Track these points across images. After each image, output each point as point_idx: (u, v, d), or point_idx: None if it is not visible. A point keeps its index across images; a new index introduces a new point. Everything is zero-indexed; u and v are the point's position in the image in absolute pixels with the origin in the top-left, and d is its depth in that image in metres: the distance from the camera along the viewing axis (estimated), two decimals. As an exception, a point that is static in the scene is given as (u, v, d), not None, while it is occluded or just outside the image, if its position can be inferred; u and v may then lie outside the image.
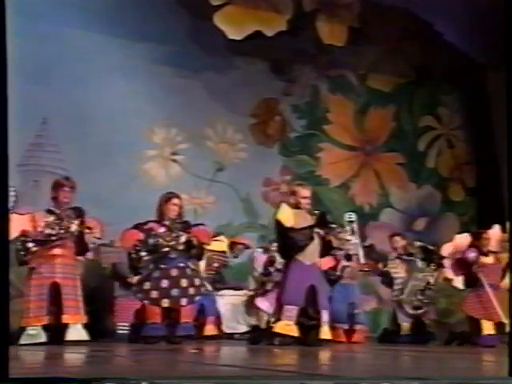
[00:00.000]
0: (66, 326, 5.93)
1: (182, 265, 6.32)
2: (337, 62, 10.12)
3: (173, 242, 6.26)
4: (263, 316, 7.49)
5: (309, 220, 6.35)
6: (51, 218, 5.93)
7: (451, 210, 10.69)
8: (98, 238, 6.29)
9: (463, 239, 8.33)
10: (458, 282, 8.28)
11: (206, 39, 9.13)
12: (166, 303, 6.19)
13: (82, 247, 6.13)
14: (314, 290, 6.34)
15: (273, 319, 6.61)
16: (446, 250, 8.24)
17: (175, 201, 6.42)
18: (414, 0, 9.38)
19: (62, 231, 5.91)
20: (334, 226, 6.49)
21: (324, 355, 5.28)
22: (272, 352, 5.55)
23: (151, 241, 6.25)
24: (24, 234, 5.85)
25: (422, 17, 9.50)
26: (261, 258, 7.68)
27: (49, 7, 8.17)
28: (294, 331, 6.27)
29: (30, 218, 5.95)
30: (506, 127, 3.01)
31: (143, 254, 6.24)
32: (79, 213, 6.01)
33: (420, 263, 7.79)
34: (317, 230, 6.34)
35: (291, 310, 6.27)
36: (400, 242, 7.98)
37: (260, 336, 6.83)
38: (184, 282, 6.27)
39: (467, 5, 9.08)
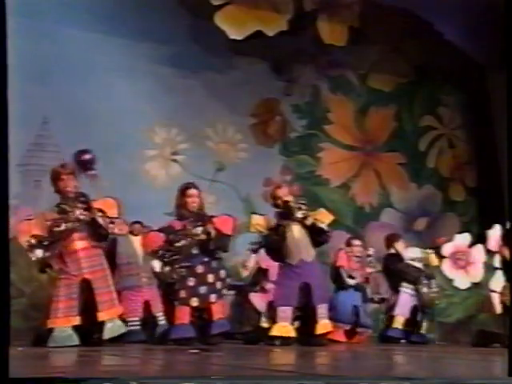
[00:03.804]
0: (102, 324, 5.63)
1: (206, 260, 6.06)
2: (337, 62, 10.11)
3: (189, 239, 5.96)
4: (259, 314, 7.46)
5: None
6: (56, 215, 5.63)
7: (452, 209, 10.68)
8: (116, 218, 6.00)
9: (463, 239, 8.36)
10: (458, 282, 8.32)
11: (206, 39, 9.12)
12: (195, 302, 5.96)
13: (99, 234, 5.77)
14: (308, 287, 6.35)
15: (267, 323, 6.64)
16: (447, 249, 8.27)
17: (192, 191, 6.12)
18: (414, 0, 9.37)
19: (70, 224, 5.60)
20: (303, 209, 6.41)
21: (320, 355, 5.28)
22: (271, 352, 5.56)
23: (172, 239, 5.94)
24: (33, 239, 5.55)
25: (422, 17, 9.48)
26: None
27: (49, 7, 8.16)
28: (290, 332, 6.30)
29: (40, 219, 5.69)
30: (506, 127, 3.01)
31: (174, 258, 5.90)
32: (83, 198, 5.70)
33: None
34: (284, 222, 6.35)
35: (285, 311, 6.30)
36: (402, 245, 7.98)
37: (258, 335, 6.84)
38: (210, 278, 6.03)
39: (467, 5, 9.07)
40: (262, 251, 7.64)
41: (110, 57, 8.46)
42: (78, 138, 8.09)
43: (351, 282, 7.64)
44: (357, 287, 7.73)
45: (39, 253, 5.56)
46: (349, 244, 7.91)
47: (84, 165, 6.41)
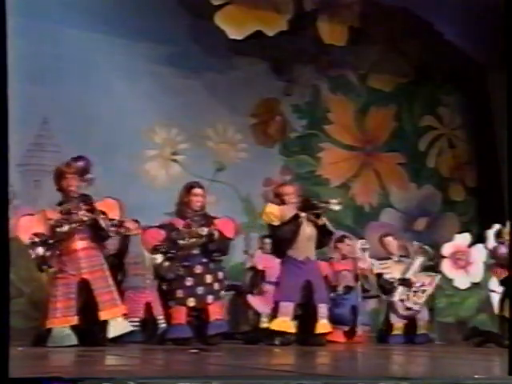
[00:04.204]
0: (105, 323, 5.61)
1: (205, 260, 6.07)
2: (337, 62, 10.11)
3: (194, 239, 5.94)
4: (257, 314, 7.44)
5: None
6: (59, 215, 5.60)
7: (452, 209, 10.67)
8: (120, 221, 5.96)
9: (463, 239, 8.36)
10: (459, 282, 8.31)
11: (206, 39, 9.12)
12: (191, 302, 5.97)
13: (100, 235, 5.76)
14: (310, 285, 6.37)
15: (267, 318, 6.65)
16: (447, 249, 8.27)
17: (197, 191, 6.13)
18: (414, 0, 9.36)
19: (73, 226, 5.58)
20: (321, 206, 6.42)
21: (320, 355, 5.28)
22: (271, 352, 5.56)
23: (174, 237, 5.95)
24: (35, 237, 5.52)
25: (422, 17, 9.49)
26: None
27: (49, 7, 8.16)
28: (290, 327, 6.32)
29: (41, 216, 5.65)
30: (506, 127, 3.01)
31: (169, 255, 5.90)
32: (87, 200, 5.68)
33: (417, 265, 7.77)
34: (302, 214, 6.34)
35: (287, 307, 6.32)
36: (392, 242, 7.97)
37: (257, 335, 6.85)
38: (208, 278, 6.04)
39: (467, 5, 9.07)
40: (259, 252, 7.65)
41: (110, 57, 8.45)
42: (77, 137, 8.10)
43: (333, 295, 7.58)
44: (351, 287, 7.71)
45: (40, 251, 5.52)
46: (340, 241, 7.87)
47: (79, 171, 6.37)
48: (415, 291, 7.65)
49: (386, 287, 7.70)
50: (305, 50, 9.78)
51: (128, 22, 8.57)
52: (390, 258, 7.85)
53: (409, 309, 7.61)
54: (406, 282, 7.64)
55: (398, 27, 10.02)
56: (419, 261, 7.75)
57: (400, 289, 7.63)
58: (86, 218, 5.64)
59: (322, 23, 9.80)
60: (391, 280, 7.68)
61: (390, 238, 7.97)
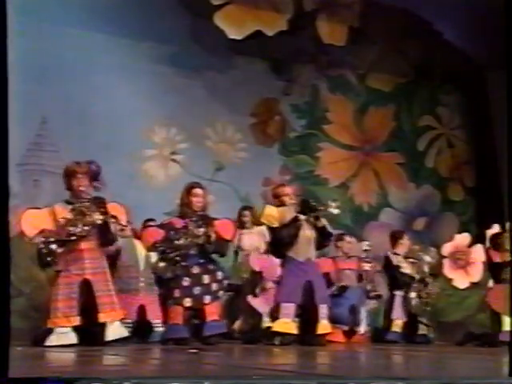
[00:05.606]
0: (103, 325, 5.60)
1: (202, 261, 6.05)
2: (337, 62, 10.11)
3: (190, 238, 5.92)
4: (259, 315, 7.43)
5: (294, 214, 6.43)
6: (72, 214, 5.54)
7: (451, 209, 10.68)
8: (125, 226, 6.02)
9: (463, 239, 8.37)
10: (458, 281, 8.31)
11: (206, 39, 9.12)
12: (188, 302, 5.95)
13: (107, 239, 5.78)
14: (311, 286, 6.38)
15: (269, 318, 6.65)
16: (446, 249, 8.28)
17: (197, 191, 6.13)
18: (414, 0, 9.36)
19: (85, 227, 5.53)
20: (320, 208, 6.44)
21: (319, 355, 5.28)
22: (270, 351, 5.56)
23: (172, 237, 5.94)
24: (44, 232, 5.50)
25: (422, 16, 9.49)
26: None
27: (49, 7, 8.15)
28: (292, 329, 6.32)
29: (48, 212, 5.62)
30: (506, 127, 3.01)
31: (171, 255, 5.89)
32: (100, 203, 5.65)
33: (426, 266, 7.83)
34: (302, 217, 6.37)
35: (288, 308, 6.32)
36: (406, 241, 8.03)
37: (258, 335, 6.84)
38: (206, 279, 6.01)
39: (467, 4, 9.07)
40: (254, 254, 7.60)
41: (110, 56, 8.44)
42: (76, 137, 8.09)
43: (332, 292, 7.55)
44: (352, 286, 7.72)
45: (54, 247, 5.49)
46: (340, 239, 7.87)
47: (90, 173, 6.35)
48: (428, 292, 7.72)
49: (402, 281, 7.74)
50: (304, 50, 9.78)
51: (128, 22, 8.55)
52: (398, 254, 7.91)
53: (419, 306, 7.66)
54: (423, 280, 7.71)
55: (397, 27, 10.02)
56: (427, 263, 7.82)
57: (417, 285, 7.69)
58: (99, 221, 5.60)
59: (321, 23, 9.80)
60: (411, 275, 7.73)
61: (404, 240, 8.04)
